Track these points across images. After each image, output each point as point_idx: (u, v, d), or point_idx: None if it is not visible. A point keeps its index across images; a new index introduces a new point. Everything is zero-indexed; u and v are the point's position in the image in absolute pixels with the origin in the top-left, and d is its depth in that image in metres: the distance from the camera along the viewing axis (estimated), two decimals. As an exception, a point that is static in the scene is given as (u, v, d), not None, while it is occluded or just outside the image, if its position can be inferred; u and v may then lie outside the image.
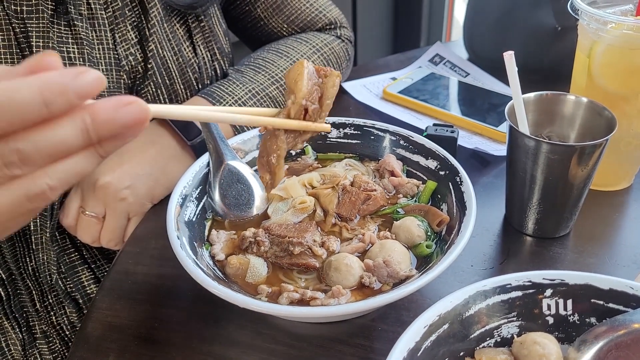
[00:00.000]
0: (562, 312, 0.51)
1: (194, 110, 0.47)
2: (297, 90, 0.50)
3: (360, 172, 0.70)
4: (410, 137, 0.71)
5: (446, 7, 2.11)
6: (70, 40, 0.71)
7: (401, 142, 0.72)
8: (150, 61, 0.77)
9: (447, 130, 0.78)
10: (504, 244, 0.71)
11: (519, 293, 0.51)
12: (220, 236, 0.63)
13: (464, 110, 0.94)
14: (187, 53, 0.82)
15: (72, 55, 0.71)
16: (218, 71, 0.88)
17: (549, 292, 0.51)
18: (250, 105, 0.81)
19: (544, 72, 0.97)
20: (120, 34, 0.75)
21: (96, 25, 0.73)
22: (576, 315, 0.51)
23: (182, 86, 0.82)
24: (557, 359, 0.48)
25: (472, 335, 0.50)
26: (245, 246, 0.61)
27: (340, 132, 0.74)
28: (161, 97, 0.80)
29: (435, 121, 0.90)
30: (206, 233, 0.65)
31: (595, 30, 0.69)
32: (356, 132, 0.74)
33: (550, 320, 0.51)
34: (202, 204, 0.66)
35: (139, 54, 0.77)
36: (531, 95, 0.70)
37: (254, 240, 0.61)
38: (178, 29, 0.81)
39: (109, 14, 0.74)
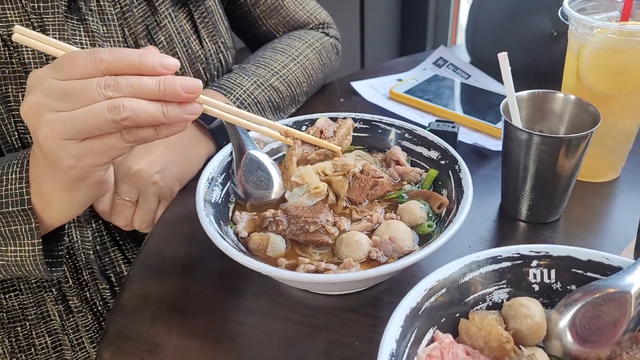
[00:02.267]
0: (546, 280, 0.58)
1: (235, 117, 0.60)
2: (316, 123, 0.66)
3: (368, 162, 0.77)
4: (414, 131, 0.78)
5: (452, 12, 2.18)
6: (82, 34, 0.78)
7: (406, 135, 0.79)
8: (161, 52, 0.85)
9: (448, 126, 0.86)
10: (499, 229, 0.78)
11: (508, 264, 0.58)
12: (243, 217, 0.70)
13: (465, 109, 1.01)
14: (194, 46, 0.91)
15: (85, 48, 0.78)
16: (223, 62, 0.97)
17: (534, 263, 0.58)
18: (256, 96, 0.90)
19: (540, 75, 1.03)
20: (128, 27, 0.83)
21: (106, 20, 0.81)
22: (559, 283, 0.58)
23: (191, 75, 0.90)
24: (541, 318, 0.54)
25: (467, 300, 0.57)
26: (266, 225, 0.68)
27: (350, 126, 0.81)
28: None
29: (438, 118, 0.97)
30: (230, 214, 0.72)
31: (583, 35, 0.75)
32: (365, 126, 0.81)
33: (536, 287, 0.58)
34: (226, 188, 0.73)
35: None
36: (524, 93, 0.77)
37: (273, 220, 0.68)
38: (185, 24, 0.90)
39: (117, 10, 0.82)
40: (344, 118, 0.71)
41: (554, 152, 0.71)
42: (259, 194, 0.72)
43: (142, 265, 0.75)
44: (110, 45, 0.82)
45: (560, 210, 0.78)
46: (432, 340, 0.54)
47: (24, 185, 0.62)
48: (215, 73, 0.96)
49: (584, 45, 0.76)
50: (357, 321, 0.66)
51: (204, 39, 0.93)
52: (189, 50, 0.90)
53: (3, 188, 0.63)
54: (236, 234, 0.68)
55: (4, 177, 0.64)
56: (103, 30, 0.80)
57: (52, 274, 0.69)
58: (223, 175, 0.74)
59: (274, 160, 0.78)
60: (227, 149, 0.76)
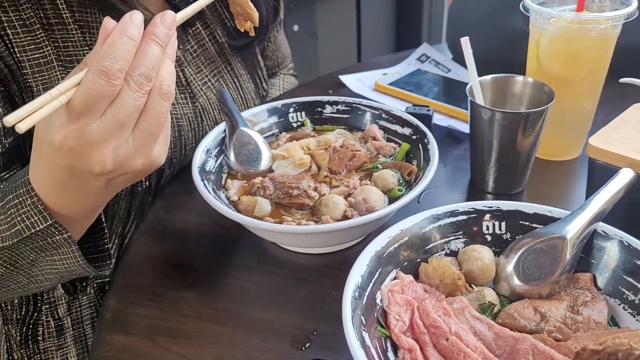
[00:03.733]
0: (497, 231, 0.66)
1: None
2: None
3: (348, 139, 0.85)
4: (390, 111, 0.87)
5: (445, 9, 2.29)
6: None
7: (383, 115, 0.87)
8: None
9: (423, 109, 0.94)
10: (469, 199, 0.86)
11: (464, 217, 0.66)
12: (234, 184, 0.78)
13: (443, 98, 1.09)
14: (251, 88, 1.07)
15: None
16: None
17: (487, 216, 0.66)
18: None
19: (513, 68, 1.11)
20: (191, 68, 0.93)
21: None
22: (508, 233, 0.66)
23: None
24: (489, 260, 0.62)
25: (427, 247, 0.65)
26: (254, 190, 0.76)
27: (333, 108, 0.90)
28: None
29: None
30: (223, 182, 0.80)
31: (541, 24, 0.84)
32: (347, 108, 0.90)
33: (489, 237, 0.66)
34: (219, 160, 0.82)
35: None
36: (488, 77, 0.85)
37: (261, 186, 0.76)
38: (241, 70, 1.05)
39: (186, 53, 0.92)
40: None
41: (514, 127, 0.79)
42: (249, 166, 0.81)
43: (144, 230, 0.83)
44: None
45: (523, 183, 0.86)
46: (395, 279, 0.62)
47: (36, 201, 0.60)
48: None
49: (542, 34, 0.85)
50: (335, 275, 0.74)
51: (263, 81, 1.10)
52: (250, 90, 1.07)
53: (22, 211, 0.61)
54: (227, 198, 0.76)
55: (17, 199, 0.61)
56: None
57: (101, 270, 0.70)
58: (217, 149, 0.82)
59: (265, 138, 0.86)
60: (222, 126, 0.84)
